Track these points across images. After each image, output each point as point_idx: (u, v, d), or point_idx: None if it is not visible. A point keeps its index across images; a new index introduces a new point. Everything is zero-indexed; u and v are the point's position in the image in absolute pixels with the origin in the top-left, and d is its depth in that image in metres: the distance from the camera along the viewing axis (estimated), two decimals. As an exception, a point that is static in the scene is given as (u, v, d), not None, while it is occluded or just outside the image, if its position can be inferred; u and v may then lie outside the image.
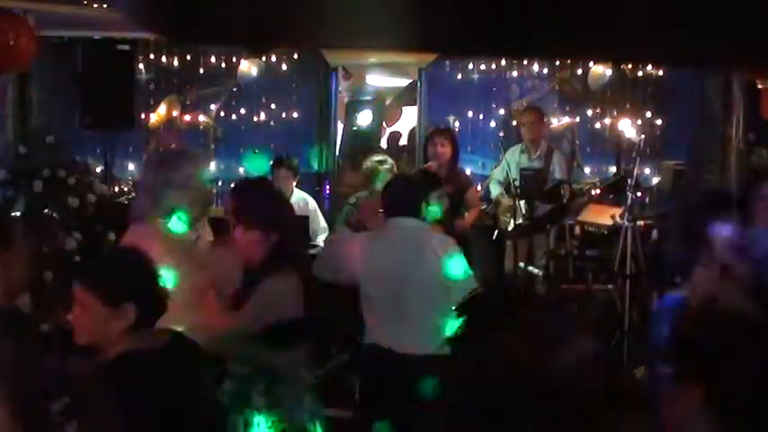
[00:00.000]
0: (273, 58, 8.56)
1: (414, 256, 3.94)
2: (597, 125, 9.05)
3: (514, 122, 8.41)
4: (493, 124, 9.13)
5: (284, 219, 3.18)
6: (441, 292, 3.79)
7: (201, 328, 2.99)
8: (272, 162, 6.88)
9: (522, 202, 6.46)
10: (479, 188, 7.66)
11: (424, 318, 3.79)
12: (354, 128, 8.99)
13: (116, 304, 2.28)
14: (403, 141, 9.33)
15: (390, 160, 6.55)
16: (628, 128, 8.54)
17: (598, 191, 7.20)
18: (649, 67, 8.63)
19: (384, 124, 9.14)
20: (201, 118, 8.65)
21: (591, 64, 8.17)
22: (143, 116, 8.26)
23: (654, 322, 3.14)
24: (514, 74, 9.12)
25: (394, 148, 8.93)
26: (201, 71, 8.77)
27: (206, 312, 3.11)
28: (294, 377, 3.10)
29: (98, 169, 7.12)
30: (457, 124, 9.10)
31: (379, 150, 8.18)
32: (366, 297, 4.03)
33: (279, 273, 3.09)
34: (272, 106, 9.00)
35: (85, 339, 2.34)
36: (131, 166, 8.47)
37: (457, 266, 3.91)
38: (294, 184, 6.73)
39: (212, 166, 8.54)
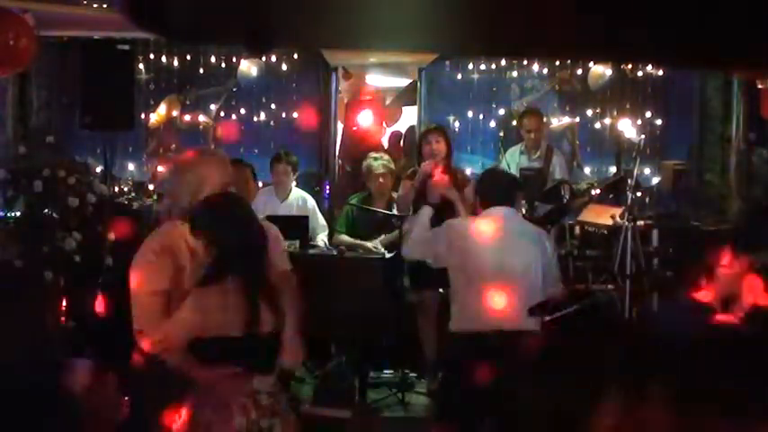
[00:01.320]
0: (273, 58, 8.56)
1: (524, 242, 4.19)
2: (597, 125, 9.05)
3: (514, 122, 8.41)
4: (493, 124, 9.13)
5: (227, 236, 3.04)
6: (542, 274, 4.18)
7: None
8: (271, 158, 6.89)
9: (523, 202, 6.46)
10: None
11: (531, 295, 4.09)
12: (354, 128, 8.99)
13: None
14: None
15: (386, 156, 6.56)
16: (628, 128, 8.54)
17: (598, 191, 7.20)
18: (649, 67, 8.63)
19: (384, 124, 9.13)
20: (201, 118, 8.66)
21: (591, 64, 8.17)
22: (143, 116, 8.27)
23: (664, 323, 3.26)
24: (514, 74, 9.12)
25: (394, 148, 8.92)
26: (201, 71, 8.78)
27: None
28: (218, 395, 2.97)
29: (98, 169, 7.12)
30: (457, 124, 9.10)
31: (380, 150, 8.18)
32: (470, 278, 4.17)
33: (203, 288, 3.01)
34: (272, 106, 9.01)
35: None
36: (131, 166, 8.48)
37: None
38: (294, 181, 6.74)
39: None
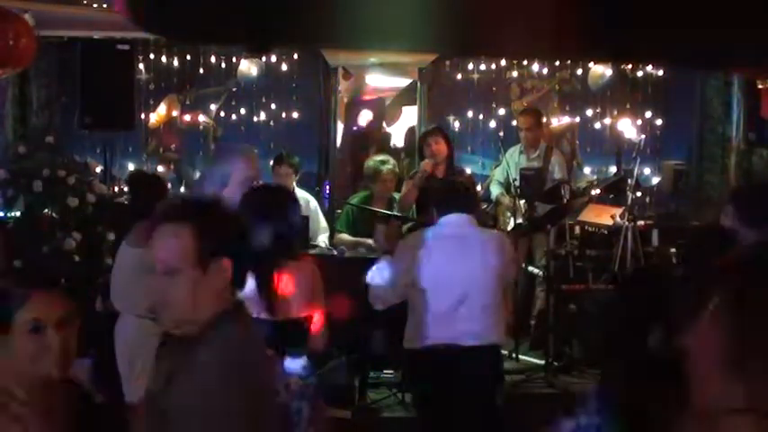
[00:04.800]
0: (273, 58, 8.56)
1: (479, 253, 4.03)
2: (597, 125, 9.05)
3: (514, 122, 8.42)
4: (493, 124, 9.13)
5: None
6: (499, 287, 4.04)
7: None
8: (272, 160, 6.89)
9: (522, 202, 6.47)
10: (479, 188, 7.66)
11: (489, 311, 3.99)
12: (354, 128, 8.99)
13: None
14: (398, 141, 9.31)
15: (392, 160, 6.55)
16: (628, 128, 8.54)
17: (598, 191, 7.20)
18: (649, 68, 8.63)
19: (384, 124, 9.13)
20: (201, 118, 8.66)
21: (591, 64, 8.17)
22: (143, 116, 8.27)
23: None
24: (514, 74, 9.12)
25: (391, 149, 8.92)
26: (201, 71, 8.78)
27: None
28: None
29: (98, 169, 7.11)
30: (457, 124, 9.10)
31: (378, 151, 8.18)
32: (424, 294, 4.00)
33: None
34: (272, 106, 9.01)
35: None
36: (131, 166, 8.48)
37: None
38: (295, 183, 6.74)
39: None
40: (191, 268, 2.01)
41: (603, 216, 6.53)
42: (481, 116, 9.17)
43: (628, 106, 8.85)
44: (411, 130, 8.92)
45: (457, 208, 4.08)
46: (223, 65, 8.75)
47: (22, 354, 2.02)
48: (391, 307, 4.26)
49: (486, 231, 4.24)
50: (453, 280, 3.96)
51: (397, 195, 6.49)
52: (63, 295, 2.11)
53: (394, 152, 8.69)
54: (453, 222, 4.06)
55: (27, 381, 2.04)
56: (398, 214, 6.10)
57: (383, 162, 6.41)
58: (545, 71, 9.07)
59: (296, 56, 8.78)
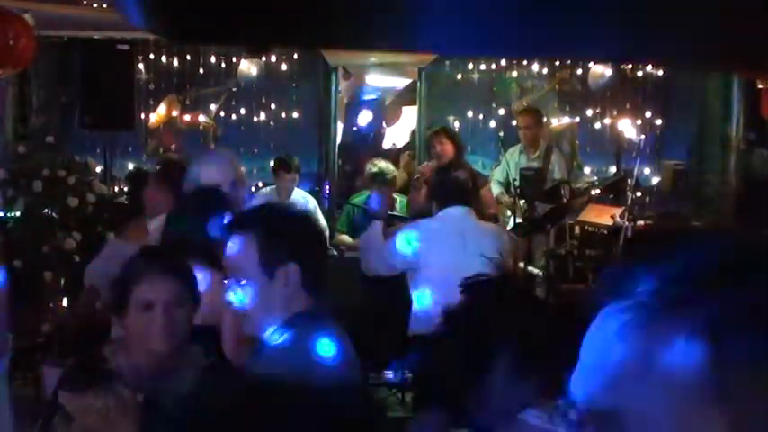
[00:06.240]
0: (273, 58, 8.56)
1: (478, 246, 4.03)
2: (597, 125, 9.04)
3: (514, 122, 8.42)
4: (493, 124, 9.13)
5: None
6: None
7: None
8: (273, 163, 6.91)
9: (522, 202, 6.47)
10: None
11: None
12: (354, 128, 8.99)
13: None
14: (398, 142, 9.30)
15: (393, 170, 6.56)
16: (628, 128, 8.53)
17: (598, 191, 7.20)
18: (649, 68, 8.63)
19: (384, 124, 9.12)
20: (201, 118, 8.65)
21: (591, 64, 8.17)
22: (143, 116, 8.27)
23: None
24: (514, 74, 9.11)
25: (391, 150, 8.91)
26: (201, 71, 8.78)
27: None
28: None
29: (98, 169, 7.11)
30: (457, 124, 9.10)
31: (379, 151, 8.18)
32: (423, 286, 4.06)
33: None
34: (272, 106, 9.01)
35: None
36: (131, 166, 8.48)
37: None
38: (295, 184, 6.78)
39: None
40: (257, 276, 2.08)
41: (603, 216, 6.53)
42: (481, 116, 9.16)
43: (628, 106, 8.85)
44: (414, 132, 8.92)
45: (456, 201, 4.12)
46: (223, 65, 8.75)
47: (133, 328, 2.23)
48: (390, 305, 4.28)
49: (484, 224, 4.26)
50: (453, 273, 3.95)
51: (398, 197, 6.51)
52: (177, 280, 2.26)
53: (394, 152, 8.70)
54: (452, 215, 4.10)
55: (137, 352, 2.23)
56: (398, 214, 6.11)
57: (383, 172, 6.42)
58: (545, 71, 9.07)
59: (296, 56, 8.78)
